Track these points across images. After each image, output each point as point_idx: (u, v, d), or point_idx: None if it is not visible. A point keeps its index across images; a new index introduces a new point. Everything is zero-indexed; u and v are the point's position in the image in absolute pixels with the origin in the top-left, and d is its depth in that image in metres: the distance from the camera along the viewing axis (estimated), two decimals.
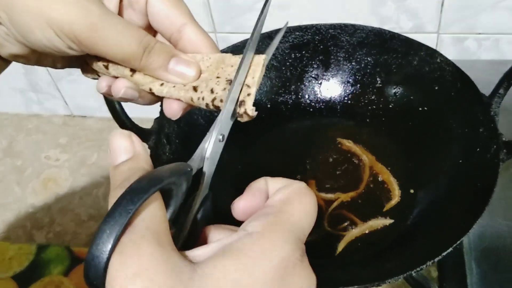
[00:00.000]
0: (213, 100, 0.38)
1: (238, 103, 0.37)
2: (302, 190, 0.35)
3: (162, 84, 0.39)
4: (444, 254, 0.49)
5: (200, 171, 0.35)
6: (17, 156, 1.03)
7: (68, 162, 1.00)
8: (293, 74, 0.73)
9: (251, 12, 0.85)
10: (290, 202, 0.33)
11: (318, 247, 0.62)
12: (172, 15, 0.40)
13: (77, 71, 0.43)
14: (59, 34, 0.35)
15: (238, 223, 0.35)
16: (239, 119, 0.38)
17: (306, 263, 0.31)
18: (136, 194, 0.28)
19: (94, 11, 0.35)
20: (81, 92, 1.03)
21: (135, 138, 0.33)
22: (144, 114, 0.63)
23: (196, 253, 0.30)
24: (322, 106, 0.74)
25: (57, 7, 0.35)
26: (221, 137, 0.37)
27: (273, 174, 0.66)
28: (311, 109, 0.74)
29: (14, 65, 0.44)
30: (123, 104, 0.58)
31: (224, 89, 0.37)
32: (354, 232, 0.62)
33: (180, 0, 0.40)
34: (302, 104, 0.74)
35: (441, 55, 0.66)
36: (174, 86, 0.39)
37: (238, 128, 0.71)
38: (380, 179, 0.66)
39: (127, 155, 0.32)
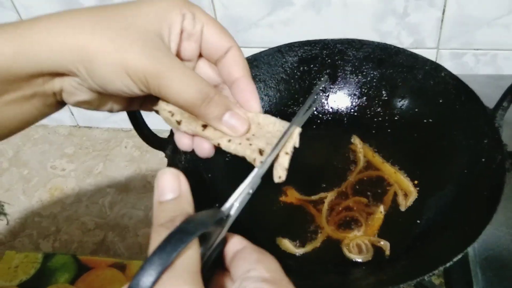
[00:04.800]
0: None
1: (280, 167, 0.42)
2: None
3: (229, 141, 0.43)
4: (455, 259, 0.51)
5: (226, 218, 0.37)
6: (24, 165, 1.03)
7: (75, 172, 1.01)
8: (301, 87, 0.75)
9: (257, 28, 0.88)
10: None
11: (325, 252, 0.64)
12: (222, 39, 0.44)
13: None
14: (134, 80, 0.40)
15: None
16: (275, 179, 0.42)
17: None
18: (185, 234, 0.30)
19: (162, 60, 0.40)
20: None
21: (183, 178, 0.35)
22: (162, 126, 0.64)
23: None
24: (329, 118, 0.76)
25: (133, 57, 0.39)
26: (251, 191, 0.39)
27: (287, 181, 0.69)
28: (319, 121, 0.76)
29: None
30: (143, 114, 0.59)
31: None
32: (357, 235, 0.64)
33: (226, 30, 0.45)
34: (310, 116, 0.75)
35: (445, 69, 0.68)
36: (240, 144, 0.42)
37: None
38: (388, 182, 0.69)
39: (173, 194, 0.35)
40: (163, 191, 0.35)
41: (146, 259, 0.29)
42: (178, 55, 0.44)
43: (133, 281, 0.29)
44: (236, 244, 0.37)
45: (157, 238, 0.31)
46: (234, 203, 0.38)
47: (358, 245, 0.63)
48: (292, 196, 0.69)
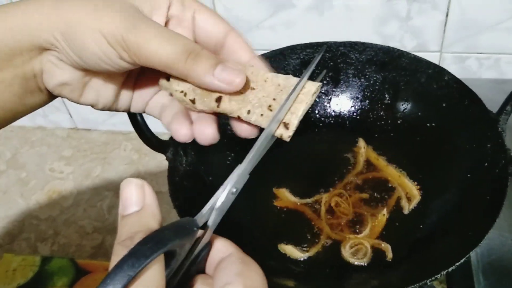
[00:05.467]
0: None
1: (283, 124, 0.40)
2: None
3: (249, 112, 0.41)
4: (457, 264, 0.50)
5: (202, 226, 0.35)
6: (21, 168, 1.03)
7: (73, 175, 1.00)
8: None
9: (258, 30, 0.87)
10: None
11: (327, 256, 0.63)
12: (218, 25, 0.43)
13: None
14: (110, 42, 0.38)
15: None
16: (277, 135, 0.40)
17: None
18: (137, 259, 0.28)
19: (139, 21, 0.39)
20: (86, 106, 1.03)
21: (148, 189, 0.33)
22: (162, 128, 0.63)
23: None
24: (331, 121, 0.76)
25: (107, 18, 0.39)
26: (234, 190, 0.36)
27: (280, 185, 0.68)
28: (320, 124, 0.76)
29: None
30: (144, 116, 0.59)
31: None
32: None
33: (220, 16, 0.44)
34: (312, 119, 0.75)
35: (449, 73, 0.67)
36: (262, 115, 0.40)
37: (247, 141, 0.73)
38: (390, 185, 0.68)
39: (137, 207, 0.32)
40: (127, 204, 0.32)
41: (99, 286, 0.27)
42: None
43: None
44: (221, 250, 0.35)
45: (115, 259, 0.28)
46: (216, 203, 0.35)
47: (356, 248, 0.62)
48: (285, 198, 0.68)
